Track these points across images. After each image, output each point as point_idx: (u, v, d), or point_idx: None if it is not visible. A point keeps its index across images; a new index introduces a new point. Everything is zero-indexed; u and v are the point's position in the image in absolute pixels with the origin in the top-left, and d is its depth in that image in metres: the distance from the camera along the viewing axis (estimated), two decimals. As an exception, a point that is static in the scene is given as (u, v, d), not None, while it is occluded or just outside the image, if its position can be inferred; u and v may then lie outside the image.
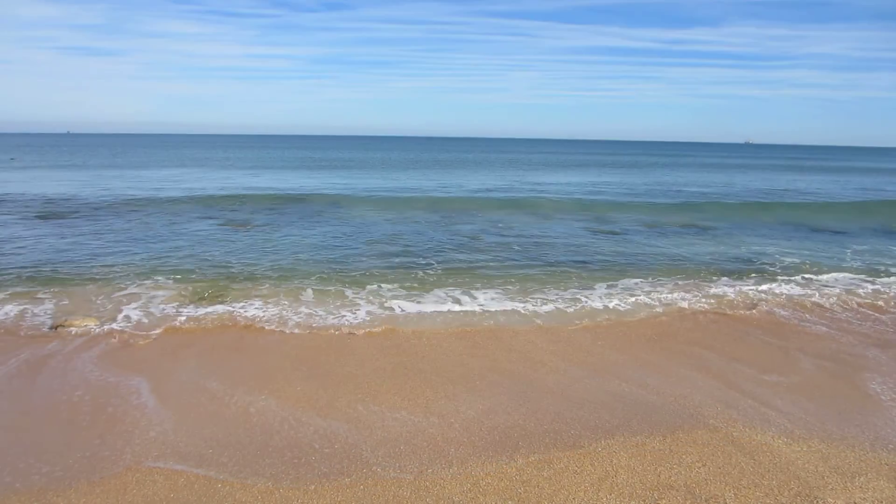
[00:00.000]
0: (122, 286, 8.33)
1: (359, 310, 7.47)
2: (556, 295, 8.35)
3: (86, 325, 6.47)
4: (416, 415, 4.64)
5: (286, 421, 4.51)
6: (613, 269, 10.02)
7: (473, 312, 7.49)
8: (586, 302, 8.05)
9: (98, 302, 7.58)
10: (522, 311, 7.56)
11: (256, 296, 7.96)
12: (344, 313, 7.32)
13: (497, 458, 4.01)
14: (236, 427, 4.41)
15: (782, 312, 7.70)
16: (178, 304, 7.51)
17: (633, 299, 8.22)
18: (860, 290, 8.85)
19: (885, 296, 8.56)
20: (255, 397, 4.92)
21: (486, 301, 8.00)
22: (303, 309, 7.45)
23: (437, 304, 7.83)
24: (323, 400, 4.89)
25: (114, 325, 6.64)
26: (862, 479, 3.79)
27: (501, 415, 4.66)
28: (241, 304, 7.60)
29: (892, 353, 6.21)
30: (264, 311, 7.28)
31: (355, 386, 5.18)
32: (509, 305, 7.83)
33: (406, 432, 4.36)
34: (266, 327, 6.75)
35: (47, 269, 9.25)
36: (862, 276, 9.80)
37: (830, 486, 3.69)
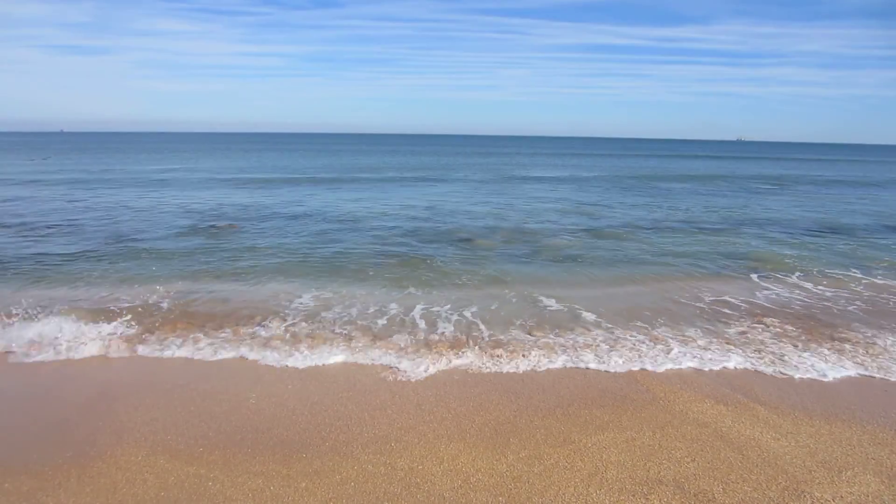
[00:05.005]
0: (112, 287, 8.30)
1: (349, 311, 7.46)
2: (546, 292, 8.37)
3: (76, 326, 6.42)
4: (407, 412, 4.65)
5: (277, 418, 4.51)
6: (601, 268, 10.06)
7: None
8: (576, 297, 8.06)
9: (87, 303, 7.54)
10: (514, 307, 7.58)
11: (245, 298, 7.93)
12: (334, 314, 7.31)
13: (488, 454, 4.03)
14: (227, 425, 4.41)
15: (771, 307, 7.75)
16: (168, 305, 7.48)
17: (621, 292, 8.24)
18: (847, 284, 8.92)
19: (877, 288, 8.63)
20: (245, 395, 4.91)
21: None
22: (293, 309, 7.43)
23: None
24: (314, 397, 4.89)
25: (103, 327, 6.60)
26: (849, 473, 3.83)
27: (492, 411, 4.67)
28: (230, 305, 7.57)
29: (879, 349, 6.26)
30: (255, 313, 7.25)
31: (346, 384, 5.18)
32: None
33: (397, 429, 4.36)
34: (256, 327, 6.73)
35: (41, 269, 9.20)
36: (852, 275, 9.88)
37: (818, 481, 3.73)
